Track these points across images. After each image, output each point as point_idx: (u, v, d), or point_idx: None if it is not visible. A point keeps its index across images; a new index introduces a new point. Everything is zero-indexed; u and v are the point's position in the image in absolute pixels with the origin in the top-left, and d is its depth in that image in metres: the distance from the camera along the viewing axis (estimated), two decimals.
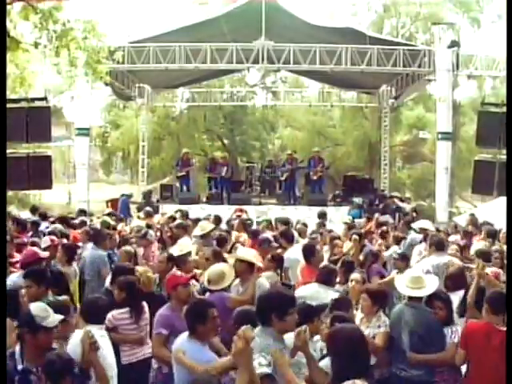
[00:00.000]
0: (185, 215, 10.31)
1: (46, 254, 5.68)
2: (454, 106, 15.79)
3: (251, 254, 5.55)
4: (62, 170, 35.09)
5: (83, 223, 8.93)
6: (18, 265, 5.75)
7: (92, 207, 15.65)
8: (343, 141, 25.57)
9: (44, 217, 9.70)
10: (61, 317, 3.42)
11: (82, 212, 10.82)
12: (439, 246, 6.43)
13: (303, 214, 14.22)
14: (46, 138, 12.90)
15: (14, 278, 5.14)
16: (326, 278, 5.05)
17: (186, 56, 14.78)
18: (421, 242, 7.91)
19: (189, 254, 6.25)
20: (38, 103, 12.56)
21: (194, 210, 14.46)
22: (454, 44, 14.82)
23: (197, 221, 9.18)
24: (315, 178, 16.66)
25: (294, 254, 6.48)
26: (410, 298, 4.42)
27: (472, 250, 7.20)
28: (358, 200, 16.36)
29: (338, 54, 14.73)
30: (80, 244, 7.53)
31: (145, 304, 4.83)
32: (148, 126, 21.92)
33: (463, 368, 4.16)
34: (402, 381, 4.20)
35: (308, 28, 15.38)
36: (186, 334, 3.78)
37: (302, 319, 3.51)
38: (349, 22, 20.52)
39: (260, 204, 16.45)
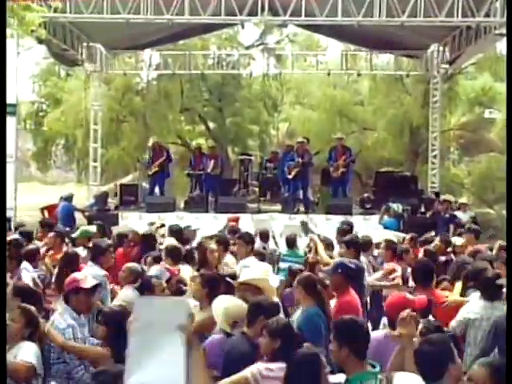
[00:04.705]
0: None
1: (91, 284, 5.75)
2: None
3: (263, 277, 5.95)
4: None
5: None
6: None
7: (21, 216, 15.45)
8: (374, 124, 25.75)
9: None
10: None
11: None
12: None
13: (319, 225, 14.29)
14: None
15: None
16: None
17: (154, 5, 14.80)
18: None
19: None
20: None
21: (170, 220, 14.36)
22: None
23: None
24: (336, 175, 16.72)
25: None
26: None
27: None
28: (396, 206, 16.23)
29: (369, 2, 14.72)
30: None
31: None
32: (102, 103, 21.88)
33: None
34: None
35: None
36: None
37: None
38: None
39: (259, 211, 16.63)
